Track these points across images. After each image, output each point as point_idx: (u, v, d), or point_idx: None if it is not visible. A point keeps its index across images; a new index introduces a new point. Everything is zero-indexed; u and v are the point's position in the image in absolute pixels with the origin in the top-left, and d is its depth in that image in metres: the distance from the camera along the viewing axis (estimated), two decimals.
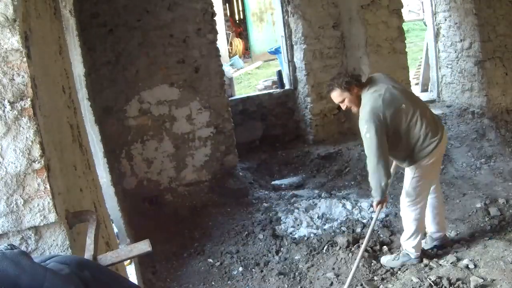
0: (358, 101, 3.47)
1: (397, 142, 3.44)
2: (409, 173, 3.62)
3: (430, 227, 3.95)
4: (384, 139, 3.32)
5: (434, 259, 3.73)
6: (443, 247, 3.95)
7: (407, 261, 3.80)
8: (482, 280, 3.21)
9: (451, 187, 5.12)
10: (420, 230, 3.75)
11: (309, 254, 4.16)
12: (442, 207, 4.03)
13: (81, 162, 2.08)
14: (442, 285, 3.26)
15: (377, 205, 3.54)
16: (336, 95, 3.52)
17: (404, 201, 3.70)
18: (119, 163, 5.29)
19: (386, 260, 3.90)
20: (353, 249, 4.08)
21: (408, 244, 3.78)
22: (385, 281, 3.62)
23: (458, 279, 3.29)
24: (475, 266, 3.44)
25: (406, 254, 3.82)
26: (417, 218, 3.69)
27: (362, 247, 3.65)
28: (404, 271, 3.66)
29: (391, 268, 3.82)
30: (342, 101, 3.52)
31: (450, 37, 6.92)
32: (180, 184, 5.57)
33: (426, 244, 3.97)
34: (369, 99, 3.37)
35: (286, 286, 3.81)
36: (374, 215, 3.74)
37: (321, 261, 4.04)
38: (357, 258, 3.61)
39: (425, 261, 3.72)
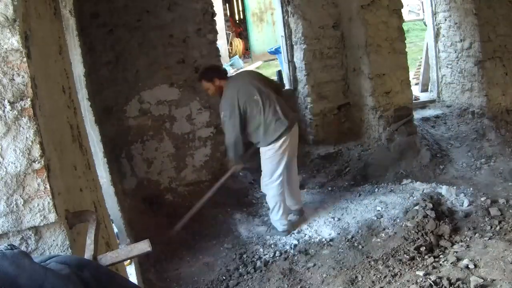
0: (220, 91, 4.25)
1: (250, 125, 4.16)
2: (263, 154, 4.28)
3: (289, 201, 4.58)
4: (237, 121, 4.08)
5: (435, 259, 3.74)
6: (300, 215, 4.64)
7: (275, 233, 4.44)
8: (482, 280, 3.21)
9: (451, 187, 5.11)
10: (281, 205, 4.38)
11: (309, 254, 4.16)
12: (296, 184, 4.68)
13: (81, 162, 2.08)
14: (442, 285, 3.25)
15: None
16: (202, 85, 4.41)
17: (262, 180, 4.39)
18: (119, 163, 5.29)
19: (260, 231, 4.56)
20: (351, 249, 4.07)
21: (272, 218, 4.48)
22: (385, 281, 3.61)
23: (458, 279, 3.28)
24: (475, 266, 3.44)
25: (274, 228, 4.49)
26: (275, 194, 4.33)
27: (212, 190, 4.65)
28: (405, 271, 3.66)
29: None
30: (207, 90, 4.35)
31: (450, 37, 6.92)
32: (180, 184, 5.57)
33: (293, 217, 4.60)
34: (228, 90, 4.17)
35: (286, 286, 3.80)
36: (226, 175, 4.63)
37: (320, 261, 4.04)
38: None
39: (429, 259, 3.72)
